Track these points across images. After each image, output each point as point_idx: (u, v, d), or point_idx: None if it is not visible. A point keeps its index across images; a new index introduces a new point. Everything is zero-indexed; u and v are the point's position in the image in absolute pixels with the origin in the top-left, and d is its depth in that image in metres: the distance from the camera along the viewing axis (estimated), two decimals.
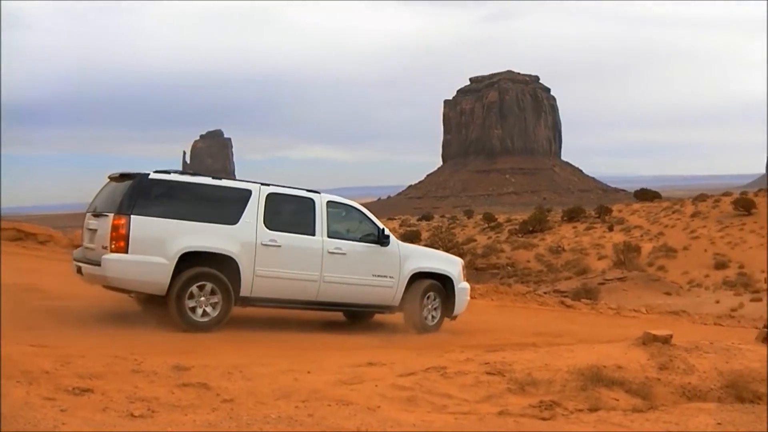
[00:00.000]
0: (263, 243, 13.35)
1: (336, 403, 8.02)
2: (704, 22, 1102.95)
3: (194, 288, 12.76)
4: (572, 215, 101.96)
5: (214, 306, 12.94)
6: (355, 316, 15.91)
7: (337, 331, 14.71)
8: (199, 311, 12.85)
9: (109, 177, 13.90)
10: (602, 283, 48.09)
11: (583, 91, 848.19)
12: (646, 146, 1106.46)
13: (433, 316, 15.55)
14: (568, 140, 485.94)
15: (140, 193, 12.66)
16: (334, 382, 8.90)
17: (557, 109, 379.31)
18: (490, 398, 8.91)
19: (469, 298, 16.55)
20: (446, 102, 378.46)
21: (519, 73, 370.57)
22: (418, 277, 15.31)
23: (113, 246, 12.35)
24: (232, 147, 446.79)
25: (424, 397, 8.65)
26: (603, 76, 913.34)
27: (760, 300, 42.97)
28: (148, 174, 12.98)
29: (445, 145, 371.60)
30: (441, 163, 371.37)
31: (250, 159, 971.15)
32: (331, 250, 14.11)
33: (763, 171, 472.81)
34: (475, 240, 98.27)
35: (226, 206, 13.35)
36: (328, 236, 14.19)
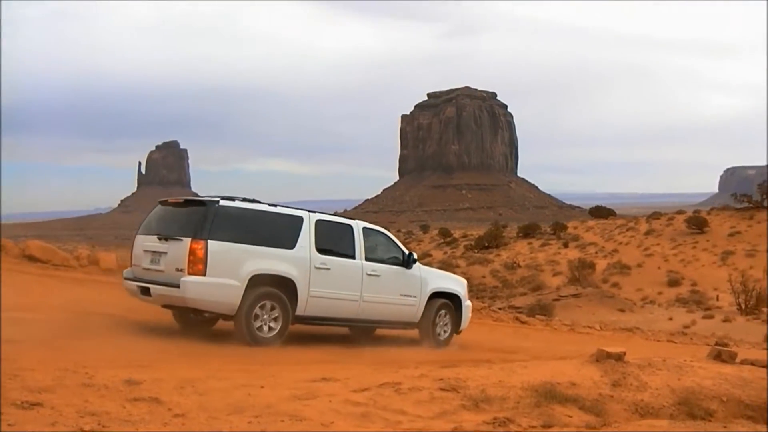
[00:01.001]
0: (316, 266, 14.55)
1: (289, 419, 7.96)
2: (662, 44, 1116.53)
3: (259, 307, 13.81)
4: (528, 231, 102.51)
5: (275, 323, 14.05)
6: (362, 331, 16.75)
7: (292, 345, 14.63)
8: (264, 328, 13.94)
9: (165, 201, 15.10)
10: (557, 300, 48.28)
11: (540, 109, 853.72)
12: (602, 164, 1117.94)
13: (444, 331, 17.02)
14: (525, 157, 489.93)
15: (213, 220, 13.58)
16: (287, 397, 8.84)
17: (514, 126, 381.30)
18: (444, 415, 8.90)
19: (471, 314, 18.07)
20: (403, 117, 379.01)
21: (476, 90, 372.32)
22: (432, 296, 16.76)
23: (191, 269, 13.23)
24: (188, 158, 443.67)
25: (378, 413, 8.62)
26: (560, 94, 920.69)
27: (712, 317, 43.44)
28: (218, 201, 13.94)
29: (402, 160, 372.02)
30: (398, 177, 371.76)
31: (206, 170, 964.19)
32: (368, 273, 15.45)
33: (716, 190, 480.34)
34: (431, 255, 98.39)
35: (283, 232, 14.44)
36: (365, 260, 15.52)
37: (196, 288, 13.23)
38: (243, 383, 9.37)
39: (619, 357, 11.85)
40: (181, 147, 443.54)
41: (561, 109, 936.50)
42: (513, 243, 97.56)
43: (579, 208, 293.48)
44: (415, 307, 16.39)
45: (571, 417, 9.33)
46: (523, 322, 27.34)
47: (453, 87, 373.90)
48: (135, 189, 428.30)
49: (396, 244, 16.56)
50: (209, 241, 13.29)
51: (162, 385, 8.82)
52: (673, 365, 12.12)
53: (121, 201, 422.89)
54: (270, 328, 13.99)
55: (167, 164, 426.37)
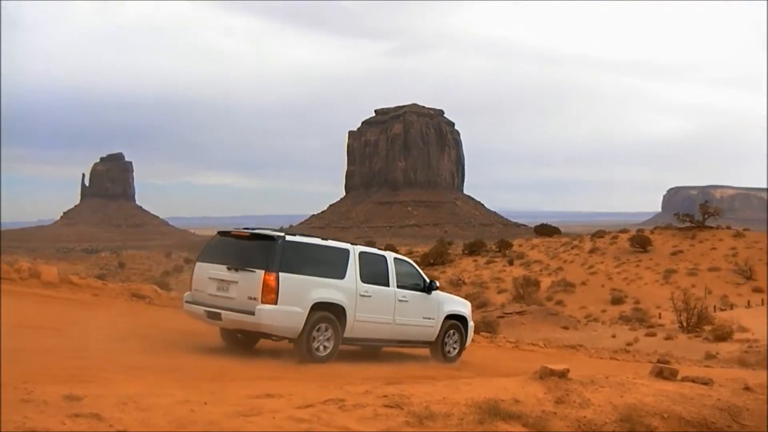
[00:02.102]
0: (361, 294, 16.33)
1: None
2: (609, 65, 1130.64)
3: (316, 330, 15.46)
4: (473, 249, 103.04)
5: (328, 344, 15.71)
6: (371, 348, 18.21)
7: (235, 361, 14.54)
8: (320, 348, 15.57)
9: (227, 233, 16.71)
10: (502, 317, 48.55)
11: (487, 127, 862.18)
12: (547, 182, 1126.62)
13: (453, 348, 18.74)
14: (471, 174, 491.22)
15: (282, 253, 15.21)
16: (231, 413, 8.76)
17: (461, 144, 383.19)
18: (389, 431, 8.88)
19: (473, 333, 20.03)
20: (351, 133, 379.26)
21: (424, 107, 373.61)
22: (445, 317, 18.59)
23: (265, 298, 14.82)
24: (132, 171, 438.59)
25: (322, 429, 8.58)
26: (507, 113, 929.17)
27: (654, 335, 43.90)
28: (285, 236, 15.64)
29: (349, 176, 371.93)
30: (344, 193, 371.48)
31: (151, 183, 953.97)
32: (399, 299, 17.29)
33: (660, 209, 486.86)
34: None
35: (334, 263, 16.17)
36: (397, 287, 17.33)
37: (269, 315, 14.79)
38: (185, 399, 9.27)
39: (563, 374, 11.92)
40: (126, 159, 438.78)
41: (507, 128, 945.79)
42: (458, 260, 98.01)
43: (524, 226, 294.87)
44: (433, 328, 18.20)
45: None
46: None
47: (401, 104, 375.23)
48: (78, 201, 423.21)
49: (419, 272, 18.49)
50: (280, 273, 14.94)
51: (103, 400, 8.69)
52: (616, 382, 12.22)
53: (64, 213, 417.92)
54: (324, 348, 15.63)
55: (111, 177, 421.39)
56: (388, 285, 17.16)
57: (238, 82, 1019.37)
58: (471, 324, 19.53)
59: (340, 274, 16.11)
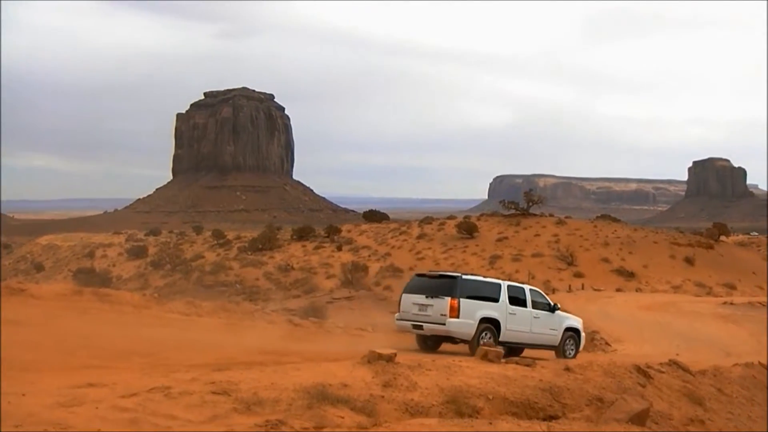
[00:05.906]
0: (509, 312, 23.62)
1: (53, 427, 7.65)
2: (437, 54, 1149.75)
3: (482, 335, 22.52)
4: (302, 234, 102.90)
5: (490, 346, 20.21)
6: (513, 352, 23.31)
7: (55, 351, 14.08)
8: None
9: (423, 275, 25.44)
10: (330, 302, 48.59)
11: (316, 112, 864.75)
12: (377, 169, 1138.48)
13: (571, 351, 25.50)
14: (301, 160, 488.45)
15: (460, 287, 22.91)
16: (51, 404, 8.48)
17: (291, 129, 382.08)
18: (216, 418, 8.79)
19: (585, 342, 27.08)
20: (179, 115, 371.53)
21: (254, 91, 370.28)
22: (564, 329, 25.76)
23: (451, 314, 22.37)
24: None
25: (148, 418, 8.41)
26: (337, 99, 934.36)
27: None
28: (461, 275, 23.62)
29: (176, 160, 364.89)
30: (171, 177, 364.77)
31: None
32: (534, 316, 24.48)
33: (486, 196, 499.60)
34: (204, 257, 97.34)
35: (492, 292, 23.74)
36: (532, 308, 24.48)
37: (455, 325, 22.36)
38: (1, 391, 8.90)
39: (390, 358, 12.06)
40: None
41: (337, 114, 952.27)
42: (287, 245, 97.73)
43: (353, 211, 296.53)
44: (556, 336, 25.21)
45: (342, 418, 9.42)
46: (296, 325, 27.42)
47: (230, 87, 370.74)
48: None
49: (545, 297, 25.78)
50: (460, 299, 22.51)
51: None
52: (442, 365, 12.46)
53: None
54: None
55: None
56: (526, 306, 24.30)
57: (60, 60, 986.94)
58: (583, 335, 26.59)
59: (496, 299, 23.50)
